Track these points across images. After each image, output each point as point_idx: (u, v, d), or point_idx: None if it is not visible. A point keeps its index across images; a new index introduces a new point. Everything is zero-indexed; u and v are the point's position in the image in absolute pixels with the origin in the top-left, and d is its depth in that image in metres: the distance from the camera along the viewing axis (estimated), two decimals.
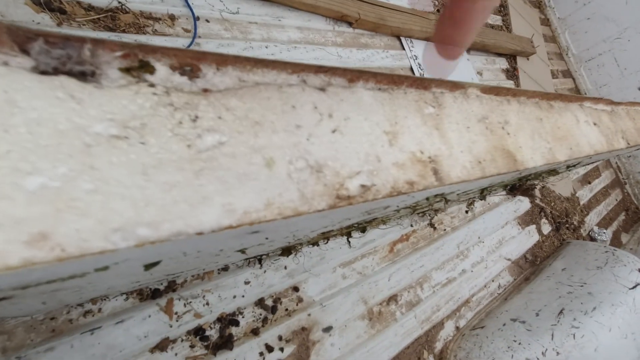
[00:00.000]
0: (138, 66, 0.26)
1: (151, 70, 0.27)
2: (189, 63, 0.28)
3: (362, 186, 0.33)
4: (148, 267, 0.35)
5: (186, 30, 1.29)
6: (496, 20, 3.13)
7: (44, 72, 0.22)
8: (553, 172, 0.89)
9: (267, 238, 0.42)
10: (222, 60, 0.30)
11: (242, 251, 0.55)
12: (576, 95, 0.81)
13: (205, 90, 0.29)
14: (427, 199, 0.57)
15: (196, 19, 1.31)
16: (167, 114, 0.26)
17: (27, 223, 0.19)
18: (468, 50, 2.60)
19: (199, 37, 1.31)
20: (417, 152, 0.40)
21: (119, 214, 0.21)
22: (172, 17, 1.26)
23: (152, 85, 0.26)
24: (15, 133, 0.20)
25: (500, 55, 2.90)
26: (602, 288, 1.75)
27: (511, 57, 3.01)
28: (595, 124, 0.82)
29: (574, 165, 0.89)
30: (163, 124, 0.25)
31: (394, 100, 0.42)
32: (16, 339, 0.81)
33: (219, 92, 0.29)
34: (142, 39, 1.17)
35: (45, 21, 1.01)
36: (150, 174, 0.23)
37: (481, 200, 1.88)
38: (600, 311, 1.58)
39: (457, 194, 0.70)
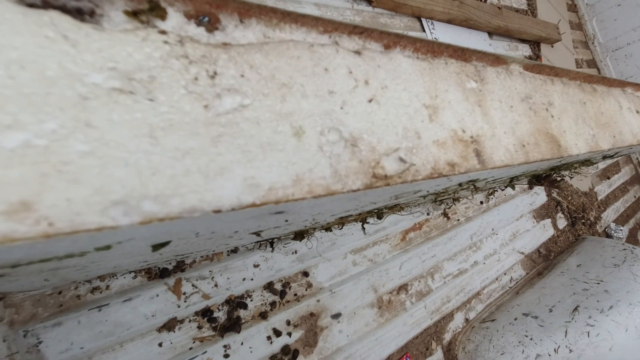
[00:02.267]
0: (147, 9, 0.22)
1: (162, 15, 0.23)
2: (207, 11, 0.24)
3: (401, 165, 0.29)
4: (156, 247, 0.32)
5: None
6: (521, 3, 2.99)
7: (31, 5, 0.18)
8: (588, 162, 0.84)
9: (286, 221, 0.38)
10: (245, 11, 0.25)
11: (257, 234, 0.51)
12: (618, 79, 0.74)
13: (225, 44, 0.24)
14: (460, 184, 0.53)
15: None
16: (181, 67, 0.22)
17: (4, 189, 0.15)
18: (490, 35, 2.48)
19: None
20: (459, 131, 0.35)
21: (120, 183, 0.17)
22: None
23: (163, 32, 0.22)
24: None
25: (523, 41, 2.78)
26: (619, 286, 1.69)
27: (535, 43, 2.88)
28: (638, 112, 0.76)
29: (612, 156, 0.83)
30: (175, 78, 0.21)
31: (434, 70, 0.37)
32: (24, 312, 0.80)
33: (242, 47, 0.25)
34: None
35: None
36: (158, 137, 0.19)
37: (507, 188, 1.82)
38: (617, 310, 1.53)
39: (488, 181, 0.65)
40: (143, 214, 0.18)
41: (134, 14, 0.22)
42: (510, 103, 0.44)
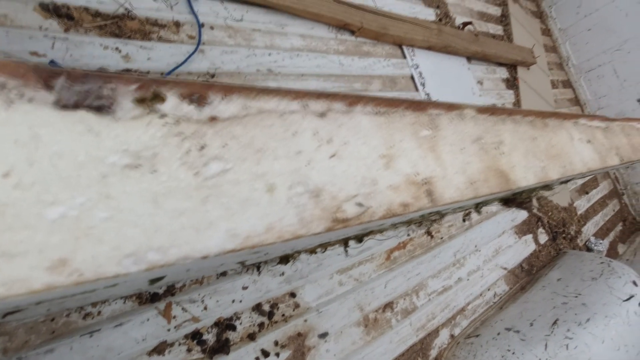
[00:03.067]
0: (150, 98, 0.28)
1: (162, 101, 0.29)
2: (197, 92, 0.30)
3: (358, 209, 0.35)
4: (153, 281, 0.37)
5: (191, 37, 1.31)
6: (497, 29, 3.16)
7: (65, 107, 0.24)
8: (547, 187, 0.91)
9: (266, 253, 0.44)
10: (228, 89, 0.32)
11: (242, 263, 0.56)
12: (572, 113, 0.83)
13: (212, 119, 0.30)
14: (422, 215, 0.59)
15: (201, 25, 1.33)
16: (177, 143, 0.28)
17: (48, 250, 0.21)
18: (469, 59, 2.62)
19: (203, 43, 1.33)
20: (412, 175, 0.42)
21: (131, 240, 0.23)
22: (177, 24, 1.28)
23: (163, 115, 0.28)
24: (38, 166, 0.21)
25: (501, 64, 2.93)
26: (596, 299, 1.76)
27: (512, 66, 3.03)
28: (589, 142, 0.84)
29: (567, 181, 0.91)
30: (172, 153, 0.27)
31: (390, 123, 0.43)
32: (17, 340, 0.82)
33: (226, 121, 0.31)
34: (148, 45, 1.19)
35: (53, 27, 1.03)
36: (160, 201, 0.25)
37: (476, 212, 1.90)
38: (594, 322, 1.60)
39: (452, 209, 0.71)
40: (148, 262, 0.23)
41: (140, 101, 0.28)
42: (462, 145, 0.51)
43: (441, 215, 0.81)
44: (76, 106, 0.24)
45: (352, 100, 0.41)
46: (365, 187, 0.36)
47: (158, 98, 0.28)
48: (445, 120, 0.51)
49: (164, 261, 0.23)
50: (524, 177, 0.59)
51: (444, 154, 0.47)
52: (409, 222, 0.72)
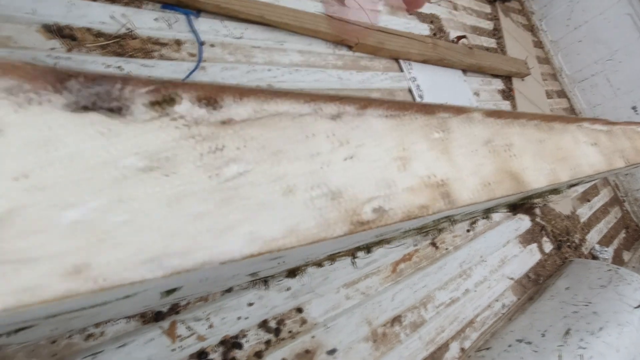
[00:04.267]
0: (162, 100, 0.27)
1: (176, 103, 0.28)
2: (210, 96, 0.30)
3: (377, 211, 0.34)
4: (167, 293, 0.35)
5: (191, 55, 1.32)
6: (491, 43, 3.22)
7: (79, 109, 0.23)
8: (555, 191, 0.90)
9: (280, 262, 0.42)
10: (240, 92, 0.31)
11: (254, 274, 0.55)
12: (574, 116, 0.83)
13: (227, 121, 0.30)
14: (438, 220, 0.58)
15: (201, 43, 1.35)
16: (192, 145, 0.27)
17: (63, 256, 0.19)
18: (465, 72, 2.66)
19: (204, 60, 1.34)
20: (428, 177, 0.41)
21: (149, 245, 0.22)
22: (178, 42, 1.29)
23: (176, 118, 0.27)
24: (51, 169, 0.20)
25: (496, 76, 2.97)
26: (607, 307, 1.73)
27: (507, 78, 3.07)
28: (594, 144, 0.84)
29: (576, 184, 0.90)
30: (188, 155, 0.26)
31: (402, 126, 0.43)
32: None
33: (241, 123, 0.30)
34: (149, 63, 1.19)
35: (56, 47, 1.03)
36: (177, 205, 0.24)
37: (485, 218, 1.89)
38: (607, 331, 1.56)
39: (463, 214, 0.70)
40: (166, 269, 0.22)
41: (152, 105, 0.27)
42: (473, 147, 0.51)
43: (452, 221, 0.80)
44: (90, 108, 0.23)
45: (363, 103, 0.40)
46: (382, 189, 0.35)
47: (172, 101, 0.28)
48: (455, 123, 0.51)
49: (184, 266, 0.22)
50: (536, 179, 0.58)
51: (456, 156, 0.47)
52: (421, 229, 0.71)
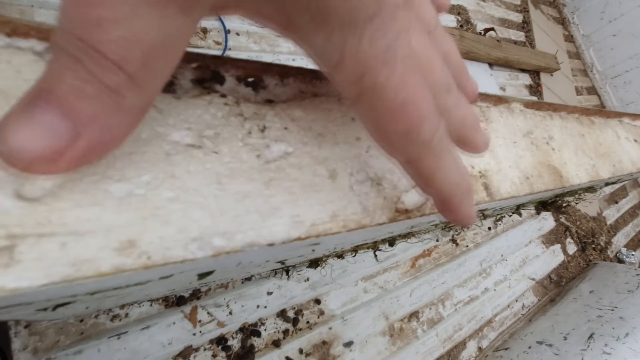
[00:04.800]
0: (209, 77, 0.27)
1: (221, 81, 0.27)
2: (254, 74, 0.29)
3: (418, 199, 0.33)
4: (202, 276, 0.35)
5: (217, 43, 1.32)
6: (519, 36, 3.11)
7: None
8: (591, 189, 0.87)
9: (313, 250, 0.42)
10: (284, 72, 0.30)
11: (282, 262, 0.54)
12: (615, 111, 0.79)
13: (270, 101, 0.29)
14: None
15: (227, 32, 1.35)
16: (238, 124, 0.26)
17: (116, 230, 0.19)
18: (491, 66, 2.58)
19: (229, 49, 1.34)
20: (469, 167, 0.39)
21: (197, 222, 0.21)
22: (204, 30, 1.30)
23: (223, 95, 0.27)
24: None
25: (523, 71, 2.87)
26: (634, 313, 1.67)
27: (535, 73, 2.97)
28: (635, 141, 0.79)
29: (613, 183, 0.86)
30: (234, 133, 0.26)
31: None
32: (47, 340, 0.82)
33: (284, 103, 0.29)
34: None
35: None
36: (224, 183, 0.23)
37: (514, 214, 1.84)
38: (633, 337, 1.50)
39: (495, 210, 0.68)
40: (214, 248, 0.21)
41: (199, 82, 0.26)
42: (514, 139, 0.49)
43: (484, 216, 0.78)
44: None
45: None
46: None
47: (217, 78, 0.27)
48: (496, 112, 0.49)
49: (230, 247, 0.22)
50: (576, 175, 0.55)
51: (497, 147, 0.45)
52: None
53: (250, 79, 0.29)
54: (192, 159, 0.23)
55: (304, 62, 1.03)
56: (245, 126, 0.26)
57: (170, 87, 0.24)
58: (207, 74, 0.27)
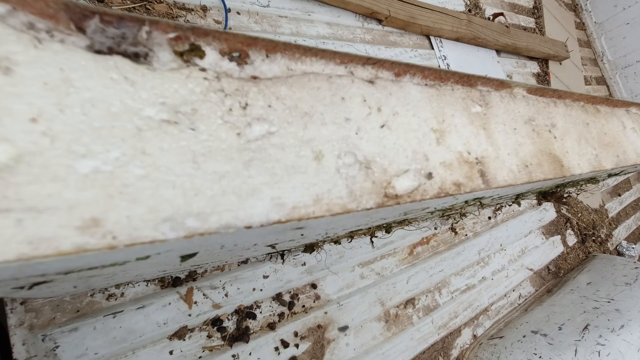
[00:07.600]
0: (189, 49, 0.25)
1: (201, 54, 0.26)
2: (239, 48, 0.27)
3: (410, 185, 0.31)
4: (184, 258, 0.35)
5: (217, 22, 1.29)
6: (529, 22, 3.03)
7: (98, 52, 0.21)
8: (593, 180, 0.85)
9: (302, 235, 0.41)
10: (271, 47, 0.29)
11: (273, 246, 0.54)
12: (622, 100, 0.76)
13: (254, 78, 0.27)
14: (466, 201, 0.55)
15: (227, 10, 1.31)
16: (218, 100, 0.25)
17: (79, 208, 0.18)
18: (499, 52, 2.52)
19: (230, 28, 1.31)
20: (465, 153, 0.38)
21: (169, 202, 0.20)
22: (204, 9, 1.26)
23: (203, 69, 0.25)
24: (70, 113, 0.19)
25: (531, 58, 2.81)
26: (631, 305, 1.67)
27: (543, 61, 2.90)
28: None
29: (617, 174, 0.84)
30: (213, 110, 0.24)
31: (441, 96, 0.39)
32: (43, 317, 0.83)
33: (269, 80, 0.28)
34: None
35: None
36: (199, 162, 0.22)
37: (513, 204, 1.83)
38: (628, 329, 1.51)
39: (493, 198, 0.67)
40: (187, 229, 0.20)
41: (179, 53, 0.25)
42: (514, 125, 0.47)
43: (481, 205, 0.77)
44: (111, 51, 0.21)
45: (401, 68, 0.37)
46: (416, 163, 0.33)
47: (198, 50, 0.26)
48: (496, 97, 0.47)
49: (204, 229, 0.21)
50: (578, 165, 0.54)
51: (496, 133, 0.43)
52: (447, 211, 0.68)
53: (235, 54, 0.28)
54: (166, 135, 0.21)
55: (306, 43, 1.00)
56: (225, 103, 0.25)
57: (144, 59, 0.23)
58: (188, 45, 0.25)
